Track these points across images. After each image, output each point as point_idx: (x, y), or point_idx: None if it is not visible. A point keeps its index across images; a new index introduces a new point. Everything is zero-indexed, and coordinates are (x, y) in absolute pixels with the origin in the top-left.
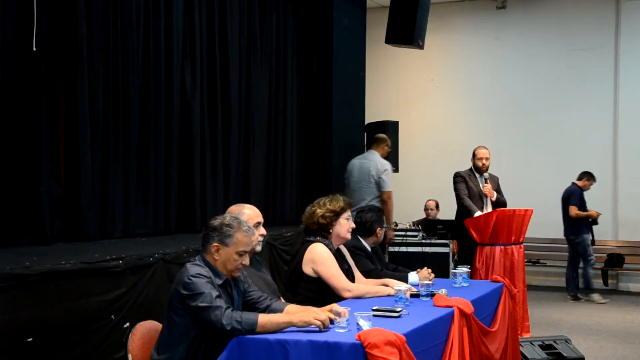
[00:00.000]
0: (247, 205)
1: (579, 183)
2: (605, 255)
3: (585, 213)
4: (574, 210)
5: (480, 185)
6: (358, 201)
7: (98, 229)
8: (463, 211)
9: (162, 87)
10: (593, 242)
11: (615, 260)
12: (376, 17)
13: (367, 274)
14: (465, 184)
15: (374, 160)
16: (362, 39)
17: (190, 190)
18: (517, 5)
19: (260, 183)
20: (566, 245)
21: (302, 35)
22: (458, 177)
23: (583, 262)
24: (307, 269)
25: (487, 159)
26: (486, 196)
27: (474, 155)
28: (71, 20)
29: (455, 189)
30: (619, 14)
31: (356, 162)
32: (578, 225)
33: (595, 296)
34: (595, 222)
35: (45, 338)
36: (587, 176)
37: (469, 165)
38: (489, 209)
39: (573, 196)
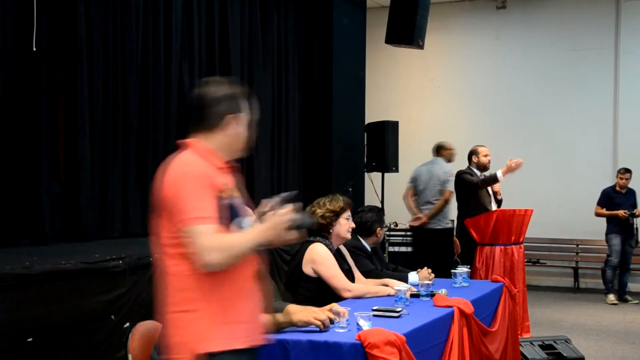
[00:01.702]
0: None
1: (615, 181)
2: (605, 255)
3: (608, 212)
4: (596, 210)
5: None
6: (423, 201)
7: (97, 229)
8: (464, 211)
9: (161, 87)
10: (636, 243)
11: None
12: (376, 17)
13: (367, 274)
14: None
15: (441, 165)
16: (362, 39)
17: None
18: (517, 5)
19: (262, 183)
20: (566, 245)
21: (302, 35)
22: (464, 174)
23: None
24: (307, 269)
25: (489, 155)
26: (492, 193)
27: (476, 153)
28: (71, 20)
29: (464, 180)
30: (619, 14)
31: (424, 168)
32: (608, 224)
33: (610, 297)
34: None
35: (45, 338)
36: (620, 171)
37: (467, 165)
38: (493, 207)
39: (600, 195)
